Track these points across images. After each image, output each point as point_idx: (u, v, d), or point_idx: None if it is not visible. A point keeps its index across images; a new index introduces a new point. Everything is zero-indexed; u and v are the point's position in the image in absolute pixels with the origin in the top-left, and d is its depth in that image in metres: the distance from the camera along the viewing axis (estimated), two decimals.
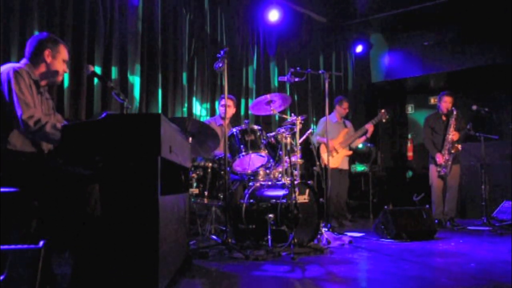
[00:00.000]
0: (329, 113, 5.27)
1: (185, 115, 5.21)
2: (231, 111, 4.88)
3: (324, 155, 5.44)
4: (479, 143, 5.70)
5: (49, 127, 2.22)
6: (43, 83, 2.50)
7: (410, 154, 8.44)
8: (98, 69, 4.33)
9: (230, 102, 4.76)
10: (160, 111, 4.90)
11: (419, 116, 8.38)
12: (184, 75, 5.31)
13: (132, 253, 1.81)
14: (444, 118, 5.56)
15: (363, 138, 5.72)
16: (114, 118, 1.90)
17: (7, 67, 2.32)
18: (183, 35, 5.29)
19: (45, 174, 2.20)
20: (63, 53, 2.54)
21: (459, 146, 5.42)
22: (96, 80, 4.24)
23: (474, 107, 5.60)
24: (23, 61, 2.47)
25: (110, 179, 1.87)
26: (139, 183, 1.85)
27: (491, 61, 6.85)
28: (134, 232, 1.83)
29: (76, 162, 2.20)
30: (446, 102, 5.51)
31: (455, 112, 5.44)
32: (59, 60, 2.51)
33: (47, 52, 2.46)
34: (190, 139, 3.70)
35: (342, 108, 5.80)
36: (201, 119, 5.30)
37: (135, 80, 4.71)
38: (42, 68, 2.47)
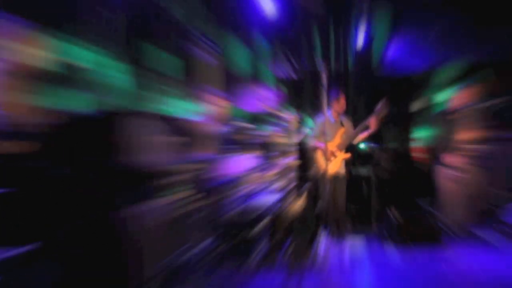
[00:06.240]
0: (327, 111, 5.00)
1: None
2: (222, 109, 4.71)
3: (321, 160, 5.12)
4: None
5: None
6: None
7: (414, 155, 8.24)
8: None
9: (221, 101, 4.63)
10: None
11: (423, 115, 8.20)
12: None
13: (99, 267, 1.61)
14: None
15: (365, 133, 5.42)
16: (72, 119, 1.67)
17: None
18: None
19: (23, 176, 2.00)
20: None
21: None
22: None
23: None
24: None
25: (69, 188, 1.64)
26: (100, 192, 1.62)
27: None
28: (100, 246, 1.62)
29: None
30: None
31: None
32: None
33: None
34: (179, 139, 3.53)
35: (336, 102, 5.52)
36: (192, 118, 5.12)
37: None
38: None
